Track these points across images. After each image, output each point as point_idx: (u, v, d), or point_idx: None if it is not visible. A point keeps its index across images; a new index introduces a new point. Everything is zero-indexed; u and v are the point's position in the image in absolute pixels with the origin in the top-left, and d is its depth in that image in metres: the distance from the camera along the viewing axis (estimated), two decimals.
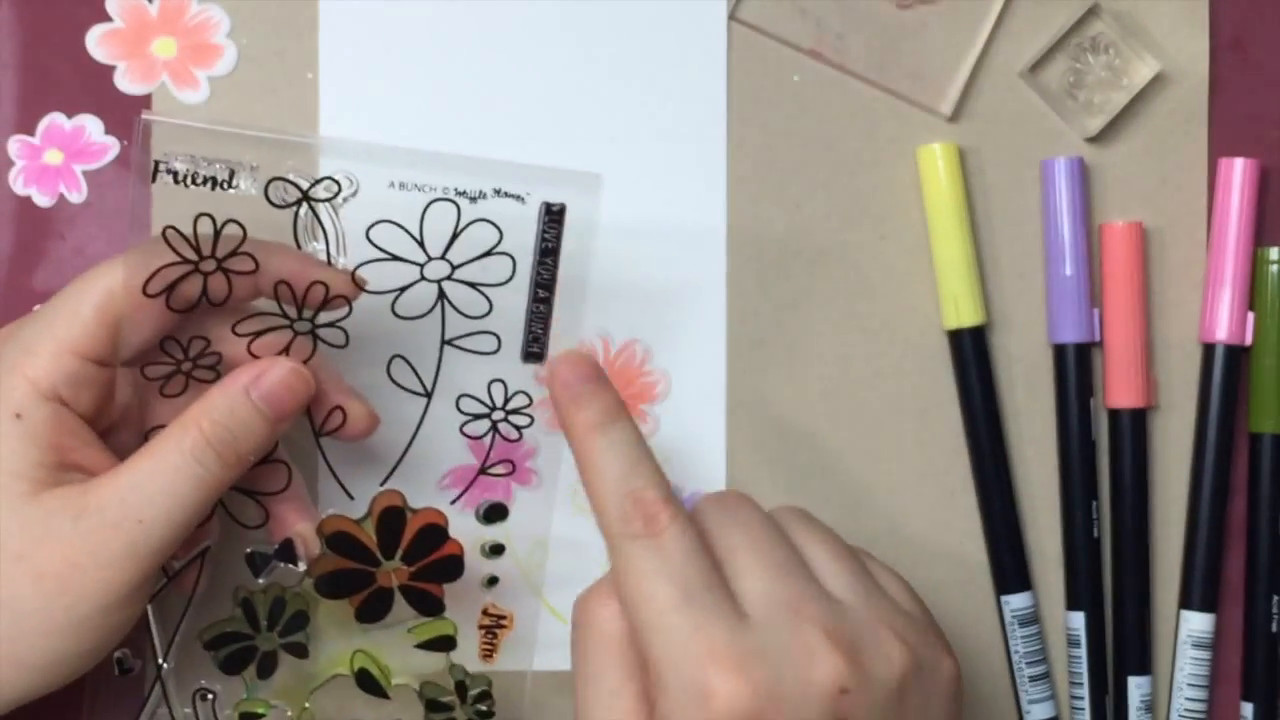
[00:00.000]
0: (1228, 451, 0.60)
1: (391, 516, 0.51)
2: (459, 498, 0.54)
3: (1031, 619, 0.60)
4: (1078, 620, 0.60)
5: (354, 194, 0.50)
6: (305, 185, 0.49)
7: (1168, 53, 0.61)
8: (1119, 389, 0.60)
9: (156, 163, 0.48)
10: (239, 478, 0.50)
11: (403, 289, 0.51)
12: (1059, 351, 0.60)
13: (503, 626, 0.54)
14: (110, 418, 0.51)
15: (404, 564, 0.51)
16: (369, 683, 0.53)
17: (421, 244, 0.50)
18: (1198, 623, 0.60)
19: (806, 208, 0.61)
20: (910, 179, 0.61)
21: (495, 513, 0.54)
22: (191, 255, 0.48)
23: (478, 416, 0.53)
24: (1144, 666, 0.61)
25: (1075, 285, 0.60)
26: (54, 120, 0.60)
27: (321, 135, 0.51)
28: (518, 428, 0.53)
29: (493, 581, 0.55)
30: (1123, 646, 0.61)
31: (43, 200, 0.60)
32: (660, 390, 0.60)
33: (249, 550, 0.52)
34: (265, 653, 0.53)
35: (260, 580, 0.52)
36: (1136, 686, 0.60)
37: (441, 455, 0.55)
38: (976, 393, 0.60)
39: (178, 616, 0.53)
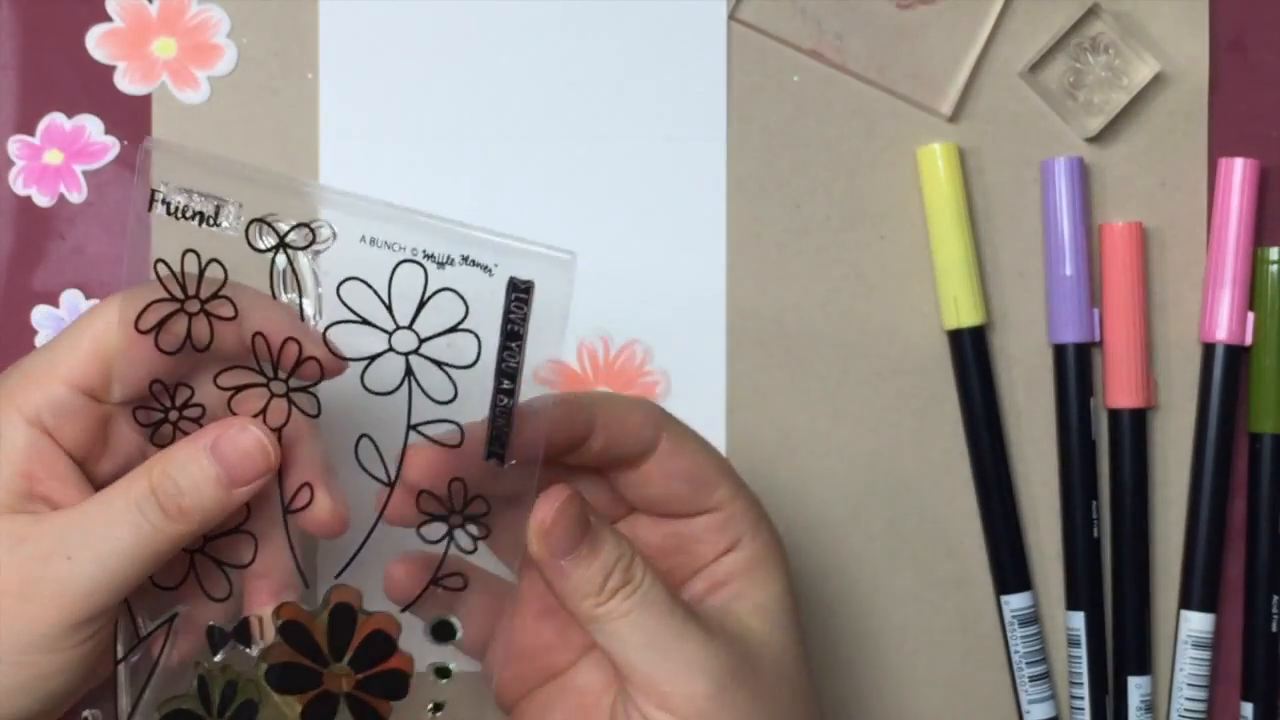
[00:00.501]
0: (1228, 451, 0.60)
1: (343, 614, 0.48)
2: (410, 606, 0.49)
3: (1031, 619, 0.60)
4: (1077, 620, 0.60)
5: (330, 244, 0.46)
6: (283, 230, 0.46)
7: (1168, 53, 0.61)
8: (1119, 389, 0.60)
9: (153, 192, 0.46)
10: (191, 538, 0.47)
11: (372, 359, 0.47)
12: (1059, 351, 0.60)
13: None
14: (113, 458, 0.50)
15: (351, 669, 0.48)
16: None
17: (390, 309, 0.46)
18: (1197, 623, 0.60)
19: (806, 208, 0.61)
20: (910, 179, 0.61)
21: (443, 630, 0.50)
22: (178, 293, 0.47)
23: (435, 518, 0.48)
24: (1144, 666, 0.61)
25: (1075, 285, 0.60)
26: (54, 120, 0.60)
27: (308, 181, 0.47)
28: (474, 538, 0.48)
29: (438, 708, 0.50)
30: (1122, 646, 0.61)
31: (43, 200, 0.60)
32: (660, 390, 0.60)
33: (210, 624, 0.49)
34: None
35: (217, 658, 0.49)
36: (1136, 686, 0.60)
37: (399, 554, 0.49)
38: (976, 393, 0.60)
39: (143, 684, 0.50)
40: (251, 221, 0.46)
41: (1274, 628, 0.60)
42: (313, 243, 0.46)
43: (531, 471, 0.47)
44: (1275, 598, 0.60)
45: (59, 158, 0.60)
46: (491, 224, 0.60)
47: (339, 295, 0.46)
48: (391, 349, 0.47)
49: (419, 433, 0.47)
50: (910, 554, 0.61)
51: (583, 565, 0.47)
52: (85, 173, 0.60)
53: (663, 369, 0.60)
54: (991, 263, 0.61)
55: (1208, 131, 0.61)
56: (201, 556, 0.49)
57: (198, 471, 0.47)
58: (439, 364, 0.47)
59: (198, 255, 0.46)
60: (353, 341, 0.47)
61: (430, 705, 0.50)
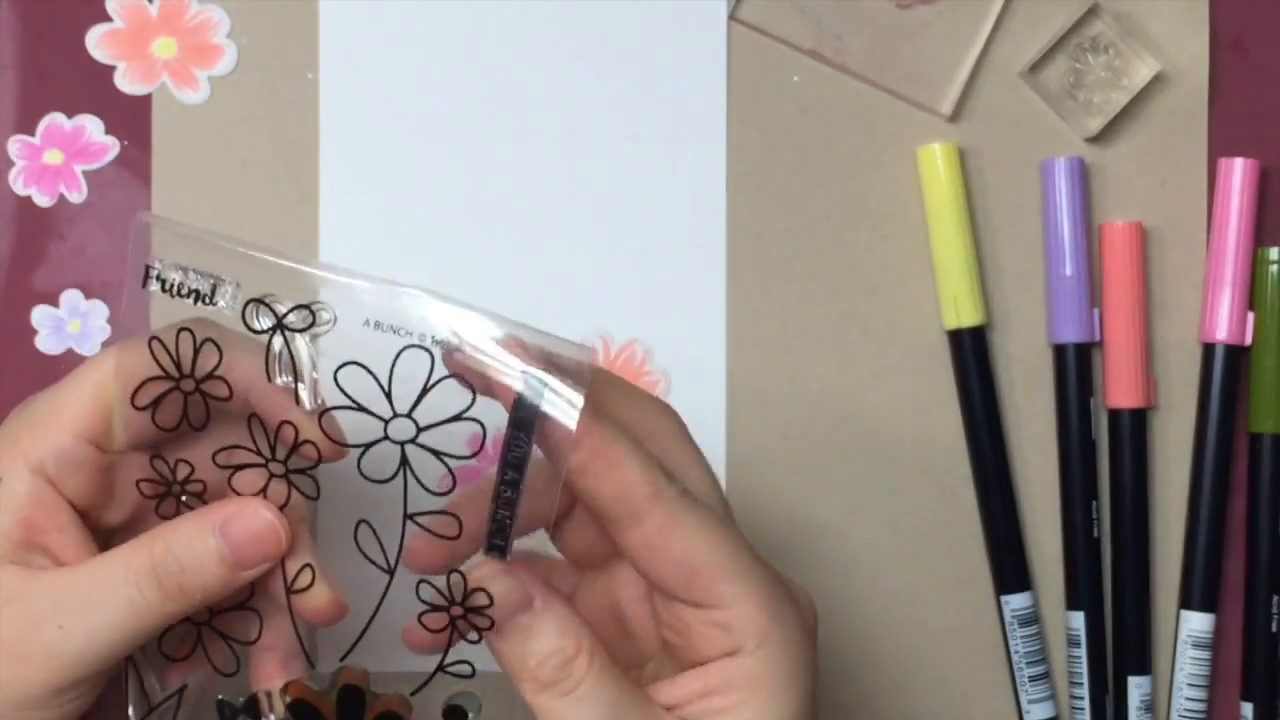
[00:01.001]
0: (1227, 451, 0.60)
1: (352, 696, 0.47)
2: (419, 689, 0.47)
3: (1031, 619, 0.60)
4: (1078, 620, 0.60)
5: (331, 327, 0.45)
6: (282, 311, 0.44)
7: (1167, 53, 0.61)
8: (1119, 389, 0.60)
9: (148, 267, 0.45)
10: (186, 615, 0.46)
11: (366, 447, 0.45)
12: (1059, 351, 0.60)
13: None
14: (119, 512, 0.48)
15: None
16: None
17: (389, 395, 0.44)
18: (1197, 623, 0.60)
19: (806, 208, 0.61)
20: (910, 179, 0.61)
21: (455, 715, 0.48)
22: (173, 372, 0.45)
23: (436, 608, 0.45)
24: (1144, 666, 0.61)
25: (1075, 285, 0.60)
26: (54, 120, 0.60)
27: (310, 262, 0.44)
28: (478, 629, 0.45)
29: None
30: (1122, 646, 0.61)
31: (43, 200, 0.60)
32: (660, 390, 0.60)
33: (219, 697, 0.48)
34: None
35: None
36: (1136, 686, 0.60)
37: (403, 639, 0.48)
38: (976, 393, 0.60)
39: None
40: (249, 302, 0.45)
41: (1274, 628, 0.60)
42: (312, 325, 0.45)
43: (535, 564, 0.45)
44: (1275, 598, 0.60)
45: (59, 158, 0.60)
46: (491, 225, 0.60)
47: (336, 380, 0.44)
48: (387, 437, 0.45)
49: (416, 523, 0.45)
50: (910, 554, 0.61)
51: (511, 643, 0.44)
52: (85, 173, 0.60)
53: (663, 369, 0.60)
54: (991, 262, 0.61)
55: (1208, 131, 0.61)
56: (208, 630, 0.48)
57: (203, 550, 0.45)
58: (437, 454, 0.45)
59: (193, 334, 0.45)
60: (353, 424, 0.45)
61: None
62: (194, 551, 0.45)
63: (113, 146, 0.60)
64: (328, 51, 0.60)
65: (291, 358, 0.45)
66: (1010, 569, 0.60)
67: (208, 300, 0.45)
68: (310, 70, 0.60)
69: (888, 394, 0.61)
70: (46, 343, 0.60)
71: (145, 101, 0.60)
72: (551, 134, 0.60)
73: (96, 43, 0.60)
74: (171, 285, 0.45)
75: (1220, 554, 0.61)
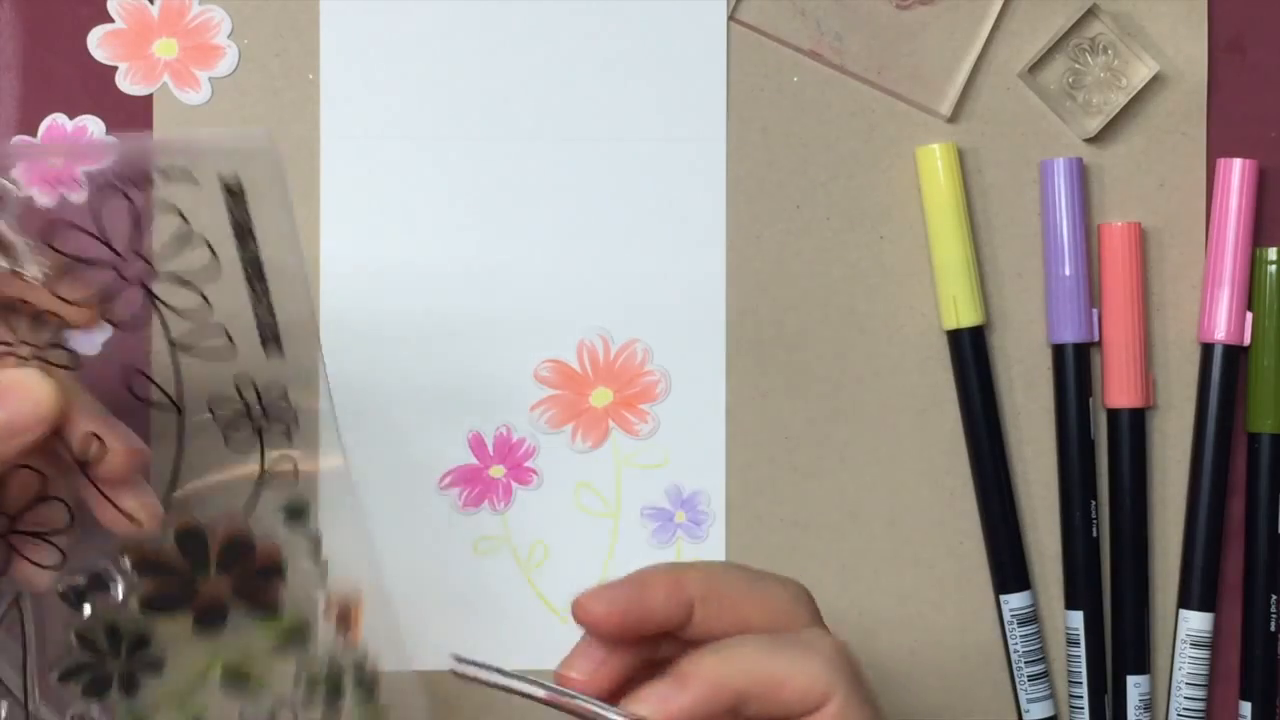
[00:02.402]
0: (1226, 451, 0.60)
1: (188, 535, 0.47)
2: (251, 504, 0.48)
3: (1030, 618, 0.60)
4: (1077, 619, 0.60)
5: (15, 193, 0.44)
6: None
7: (1166, 53, 0.61)
8: (1118, 389, 0.60)
9: None
10: None
11: (108, 297, 0.44)
12: (1058, 351, 0.61)
13: (353, 606, 0.49)
14: None
15: (223, 574, 0.48)
16: (237, 681, 0.49)
17: (108, 243, 0.44)
18: (1196, 622, 0.60)
19: (806, 208, 0.61)
20: (909, 179, 0.61)
21: (296, 514, 0.49)
22: None
23: (237, 416, 0.47)
24: (1142, 665, 0.61)
25: (1074, 285, 0.60)
26: (56, 121, 0.60)
27: None
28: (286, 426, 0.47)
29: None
30: (1121, 646, 0.61)
31: (44, 201, 0.60)
32: (660, 390, 0.60)
33: (59, 588, 0.48)
34: (122, 674, 0.48)
35: (85, 614, 0.48)
36: (1135, 685, 0.61)
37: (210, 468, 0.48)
38: (976, 393, 0.60)
39: (21, 663, 0.49)
40: None
41: (1272, 627, 0.60)
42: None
43: (312, 354, 0.44)
44: (1273, 597, 0.60)
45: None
46: (491, 225, 0.60)
47: (52, 247, 0.43)
48: (124, 280, 0.44)
49: (184, 349, 0.45)
50: (910, 554, 0.61)
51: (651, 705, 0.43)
52: (87, 174, 0.60)
53: (663, 368, 0.60)
54: (990, 263, 0.61)
55: (1206, 132, 0.61)
56: (16, 536, 0.47)
57: None
58: (183, 281, 0.44)
59: None
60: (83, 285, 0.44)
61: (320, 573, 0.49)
62: None
63: None
64: (328, 52, 0.60)
65: None
66: (1009, 568, 0.61)
67: None
68: (311, 71, 0.60)
69: (888, 394, 0.61)
70: None
71: (146, 102, 0.60)
72: (552, 134, 0.60)
73: (98, 43, 0.60)
74: None
75: (1219, 553, 0.61)
